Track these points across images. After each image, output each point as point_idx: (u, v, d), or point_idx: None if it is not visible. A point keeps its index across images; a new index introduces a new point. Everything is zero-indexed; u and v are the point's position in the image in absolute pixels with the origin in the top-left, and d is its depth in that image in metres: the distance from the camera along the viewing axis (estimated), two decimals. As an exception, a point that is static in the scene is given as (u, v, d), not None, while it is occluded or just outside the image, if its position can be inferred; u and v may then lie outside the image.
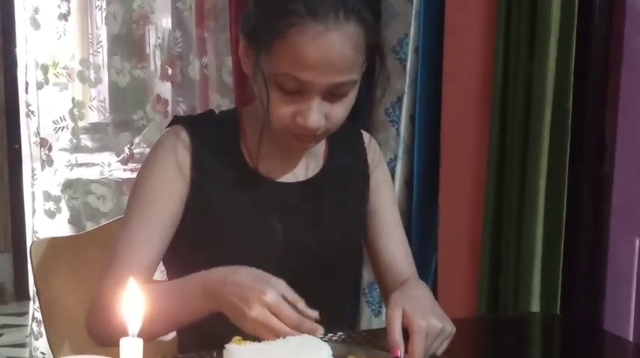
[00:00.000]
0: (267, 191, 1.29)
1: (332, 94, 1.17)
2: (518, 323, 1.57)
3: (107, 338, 1.18)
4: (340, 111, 1.20)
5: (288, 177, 1.32)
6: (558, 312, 1.90)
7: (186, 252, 1.27)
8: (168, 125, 1.33)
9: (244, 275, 1.07)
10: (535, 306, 1.90)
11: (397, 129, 2.44)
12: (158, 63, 3.29)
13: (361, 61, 1.18)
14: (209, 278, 1.10)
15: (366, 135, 1.44)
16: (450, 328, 1.12)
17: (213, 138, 1.29)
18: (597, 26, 1.88)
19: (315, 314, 1.05)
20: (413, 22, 2.33)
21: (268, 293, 1.01)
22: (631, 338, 1.88)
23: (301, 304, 1.04)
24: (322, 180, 1.33)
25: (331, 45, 1.12)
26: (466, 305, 2.09)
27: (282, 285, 1.05)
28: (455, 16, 2.14)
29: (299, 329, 1.02)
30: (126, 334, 1.11)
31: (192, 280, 1.13)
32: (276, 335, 1.02)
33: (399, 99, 2.43)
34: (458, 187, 2.16)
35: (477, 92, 2.07)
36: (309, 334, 1.02)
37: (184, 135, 1.27)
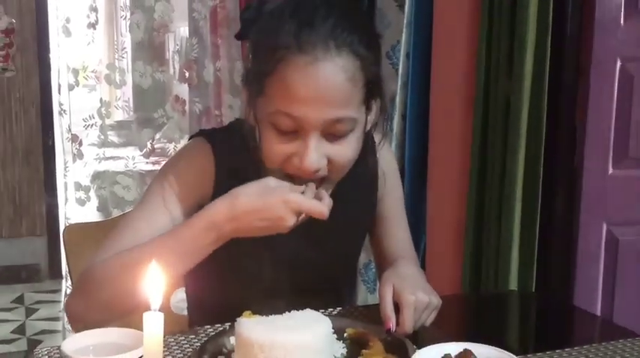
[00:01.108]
0: None
1: (330, 134, 1.04)
2: (497, 300, 1.57)
3: (84, 314, 1.09)
4: (342, 153, 1.06)
5: None
6: (534, 290, 1.90)
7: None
8: (194, 136, 1.23)
9: (249, 200, 0.99)
10: (513, 284, 1.90)
11: (390, 126, 2.44)
12: (177, 67, 3.30)
13: (359, 97, 1.05)
14: (215, 220, 1.01)
15: (381, 143, 1.28)
16: (437, 301, 1.11)
17: (236, 157, 1.16)
18: (570, 36, 1.87)
19: (322, 192, 1.03)
20: (404, 30, 2.32)
21: (291, 202, 0.98)
22: (599, 313, 1.89)
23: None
24: (333, 200, 1.18)
25: (320, 75, 1.00)
26: (451, 283, 2.09)
27: (274, 181, 1.02)
28: (442, 24, 2.13)
29: (325, 210, 1.00)
30: (105, 314, 1.06)
31: (195, 228, 1.02)
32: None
33: (392, 100, 2.42)
34: (444, 177, 2.16)
35: (462, 92, 2.06)
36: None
37: (210, 154, 1.16)
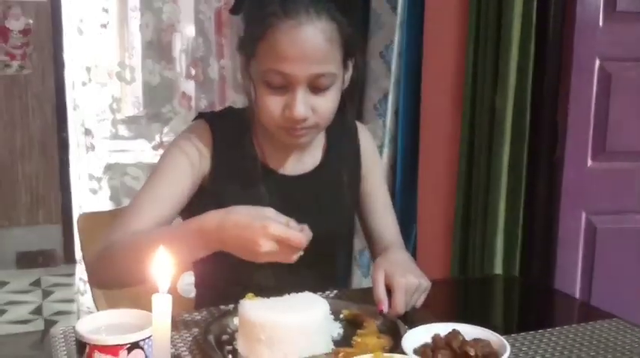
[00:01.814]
0: (273, 182, 1.24)
1: (314, 87, 1.12)
2: (483, 284, 1.58)
3: (103, 280, 1.18)
4: (325, 104, 1.14)
5: (292, 170, 1.27)
6: (517, 274, 1.90)
7: None
8: (195, 118, 1.29)
9: (237, 216, 0.99)
10: (498, 269, 1.91)
11: (384, 121, 2.44)
12: (183, 65, 3.28)
13: (338, 55, 1.13)
14: (205, 227, 1.02)
15: (360, 127, 1.38)
16: (426, 283, 1.12)
17: (231, 134, 1.24)
18: (552, 37, 1.87)
19: (304, 226, 1.00)
20: (397, 30, 2.32)
21: (270, 227, 0.95)
22: (577, 296, 1.89)
23: (292, 222, 1.00)
24: (321, 171, 1.29)
25: (304, 37, 1.08)
26: (441, 268, 2.10)
27: (272, 213, 0.99)
28: (433, 25, 2.13)
29: (301, 246, 0.97)
30: (119, 282, 1.14)
31: (188, 230, 1.05)
32: (283, 259, 0.98)
33: (385, 96, 2.42)
34: (434, 169, 2.16)
35: (451, 90, 2.06)
36: (306, 241, 0.98)
37: (208, 131, 1.23)
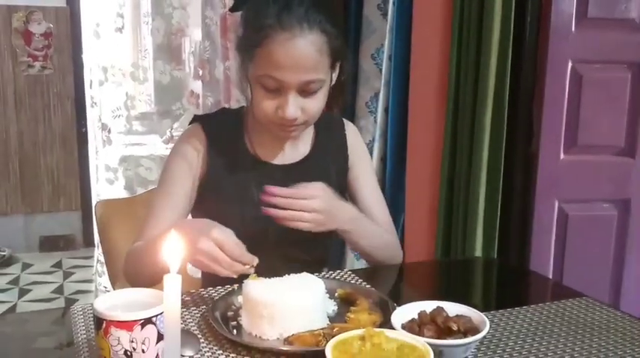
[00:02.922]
0: (264, 171, 1.25)
1: (304, 91, 1.13)
2: (465, 265, 1.58)
3: (135, 280, 1.19)
4: (313, 105, 1.15)
5: (282, 160, 1.27)
6: (496, 257, 1.91)
7: (202, 217, 1.22)
8: (190, 122, 1.30)
9: (199, 223, 1.04)
10: (478, 252, 1.91)
11: (375, 118, 2.43)
12: (192, 66, 3.28)
13: (327, 63, 1.14)
14: (179, 230, 1.07)
15: (347, 123, 1.39)
16: (316, 205, 1.14)
17: (224, 132, 1.26)
18: (528, 41, 1.87)
19: (254, 258, 1.00)
20: (387, 35, 2.31)
21: (214, 232, 0.98)
22: (551, 276, 1.90)
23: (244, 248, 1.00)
24: (309, 161, 1.29)
25: (297, 48, 1.09)
26: (427, 251, 2.10)
27: (229, 231, 1.01)
28: (420, 31, 2.12)
29: (239, 259, 0.98)
30: (148, 280, 1.12)
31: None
32: (219, 263, 0.97)
33: (376, 95, 2.41)
34: (421, 162, 2.16)
35: (436, 89, 2.06)
36: (247, 263, 0.99)
37: (201, 132, 1.25)
